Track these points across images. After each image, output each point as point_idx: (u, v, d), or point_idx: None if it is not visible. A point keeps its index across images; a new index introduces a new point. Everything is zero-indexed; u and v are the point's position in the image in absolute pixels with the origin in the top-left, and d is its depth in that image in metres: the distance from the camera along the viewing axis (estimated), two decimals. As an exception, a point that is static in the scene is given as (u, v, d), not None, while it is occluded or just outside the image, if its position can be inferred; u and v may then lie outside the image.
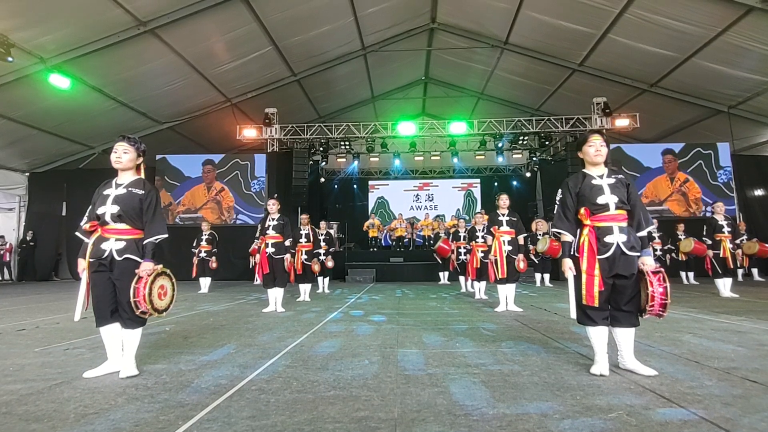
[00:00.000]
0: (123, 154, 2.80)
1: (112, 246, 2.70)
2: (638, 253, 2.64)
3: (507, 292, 5.83)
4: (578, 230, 2.77)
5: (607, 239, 2.64)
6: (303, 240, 7.78)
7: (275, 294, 5.93)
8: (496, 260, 5.82)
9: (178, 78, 11.94)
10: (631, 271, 2.61)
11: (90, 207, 2.84)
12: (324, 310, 6.06)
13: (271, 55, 12.14)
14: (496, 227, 5.90)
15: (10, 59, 8.62)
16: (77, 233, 2.84)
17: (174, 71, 11.59)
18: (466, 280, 8.74)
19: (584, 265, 2.64)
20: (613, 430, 1.78)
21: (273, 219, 6.03)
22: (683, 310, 5.42)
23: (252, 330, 4.37)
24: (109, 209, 2.71)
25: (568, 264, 2.74)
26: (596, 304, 2.58)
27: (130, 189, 2.77)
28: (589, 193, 2.73)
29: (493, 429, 1.81)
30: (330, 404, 2.14)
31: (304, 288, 7.61)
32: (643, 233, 2.69)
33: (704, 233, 7.48)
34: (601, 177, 2.79)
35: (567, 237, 2.78)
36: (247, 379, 2.58)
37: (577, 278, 2.68)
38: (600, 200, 2.70)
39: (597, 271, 2.60)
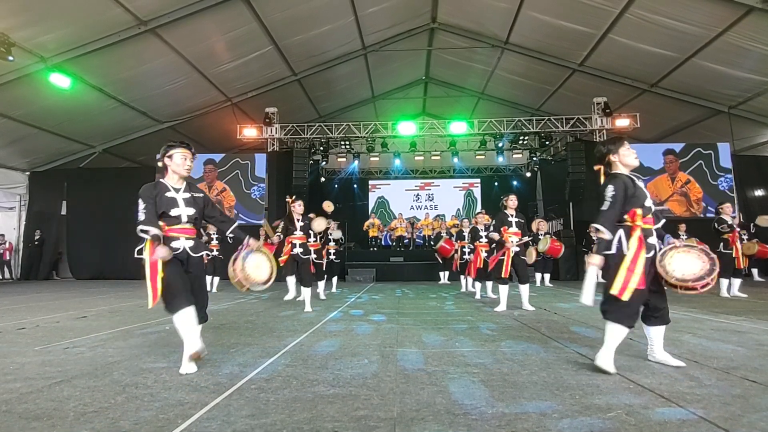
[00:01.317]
0: (191, 163, 2.96)
1: (184, 244, 2.88)
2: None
3: (522, 292, 5.82)
4: (624, 231, 2.74)
5: (650, 241, 2.74)
6: (312, 239, 7.83)
7: (304, 293, 5.99)
8: (502, 260, 5.81)
9: (179, 77, 11.96)
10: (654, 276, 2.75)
11: (146, 207, 2.77)
12: (324, 309, 6.06)
13: (272, 54, 12.15)
14: (506, 227, 5.87)
15: (10, 58, 8.63)
16: (142, 233, 2.75)
17: (174, 71, 11.60)
18: (466, 279, 8.77)
19: (627, 264, 2.62)
20: (612, 429, 1.78)
21: (299, 220, 6.09)
22: (683, 310, 5.42)
23: (252, 329, 4.37)
24: (184, 211, 2.89)
25: (598, 260, 2.72)
26: (626, 298, 2.57)
27: (192, 193, 2.95)
28: (639, 195, 2.79)
29: (492, 428, 1.81)
30: (329, 403, 2.14)
31: (320, 284, 7.63)
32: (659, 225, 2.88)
33: (720, 228, 7.30)
34: (638, 179, 2.88)
35: (606, 235, 2.73)
36: (247, 378, 2.58)
37: (612, 275, 2.65)
38: (647, 203, 2.78)
39: (641, 269, 2.61)
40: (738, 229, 7.13)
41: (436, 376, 2.59)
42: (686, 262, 2.68)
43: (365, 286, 11.18)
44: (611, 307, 2.67)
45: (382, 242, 16.42)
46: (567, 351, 3.25)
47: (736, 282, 7.13)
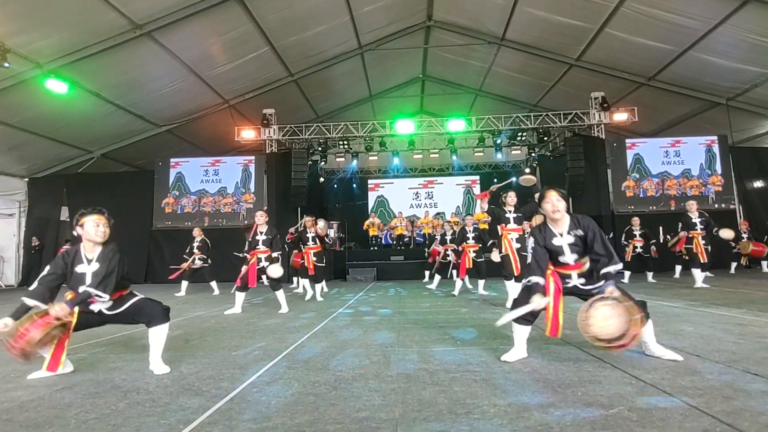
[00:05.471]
0: (105, 228, 2.92)
1: (100, 307, 2.94)
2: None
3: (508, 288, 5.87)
4: None
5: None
6: (311, 242, 7.86)
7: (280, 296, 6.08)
8: (506, 256, 5.89)
9: (176, 80, 11.94)
10: None
11: (48, 275, 2.91)
12: (324, 310, 6.06)
13: (268, 55, 12.13)
14: (504, 225, 5.92)
15: (6, 64, 8.62)
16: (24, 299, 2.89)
17: (171, 74, 11.59)
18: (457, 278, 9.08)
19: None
20: (614, 425, 1.78)
21: (261, 232, 6.08)
22: (684, 304, 5.41)
23: (253, 332, 4.37)
24: (90, 288, 2.85)
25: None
26: None
27: (100, 263, 2.92)
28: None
29: (495, 427, 1.81)
30: (331, 405, 2.14)
31: (319, 286, 7.86)
32: None
33: (679, 229, 8.03)
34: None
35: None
36: (248, 381, 2.58)
37: None
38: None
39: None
40: (701, 227, 7.49)
41: (438, 376, 2.59)
42: (607, 318, 2.55)
43: (366, 285, 11.18)
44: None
45: (383, 241, 16.43)
46: (569, 348, 3.24)
47: (700, 275, 7.35)
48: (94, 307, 2.85)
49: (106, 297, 2.80)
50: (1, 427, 1.99)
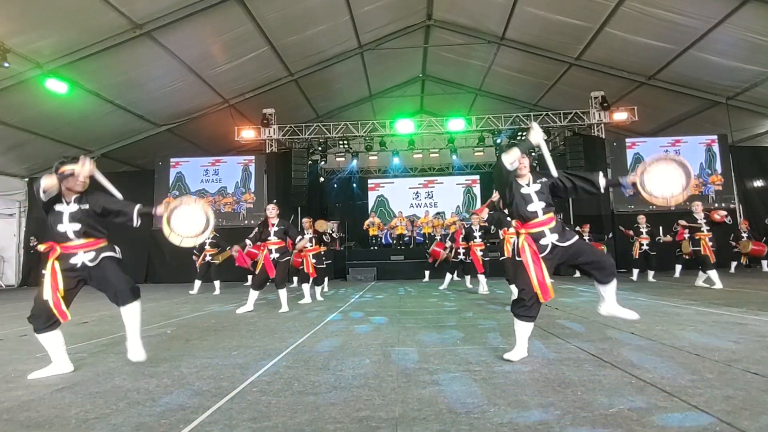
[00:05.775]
0: (84, 179, 2.95)
1: (82, 258, 2.90)
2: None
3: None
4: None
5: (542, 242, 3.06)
6: (308, 245, 7.85)
7: (282, 295, 6.05)
8: (509, 259, 5.94)
9: (175, 80, 11.94)
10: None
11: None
12: (325, 310, 6.06)
13: (268, 55, 12.13)
14: (506, 228, 5.94)
15: (6, 64, 8.63)
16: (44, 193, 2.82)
17: (171, 73, 11.59)
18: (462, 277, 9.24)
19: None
20: (614, 425, 1.78)
21: (273, 224, 6.05)
22: (684, 303, 5.41)
23: (253, 331, 4.37)
24: (69, 227, 2.88)
25: None
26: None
27: (80, 206, 2.95)
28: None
29: (494, 427, 1.81)
30: (331, 404, 2.14)
31: (319, 287, 7.81)
32: None
33: (675, 226, 8.19)
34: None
35: None
36: (249, 381, 2.57)
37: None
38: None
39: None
40: (706, 228, 7.42)
41: (438, 375, 2.59)
42: (664, 175, 2.68)
43: (366, 285, 11.18)
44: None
45: (383, 241, 16.42)
46: (568, 347, 3.24)
47: (715, 274, 7.25)
48: (77, 260, 2.84)
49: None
50: (1, 427, 1.99)
